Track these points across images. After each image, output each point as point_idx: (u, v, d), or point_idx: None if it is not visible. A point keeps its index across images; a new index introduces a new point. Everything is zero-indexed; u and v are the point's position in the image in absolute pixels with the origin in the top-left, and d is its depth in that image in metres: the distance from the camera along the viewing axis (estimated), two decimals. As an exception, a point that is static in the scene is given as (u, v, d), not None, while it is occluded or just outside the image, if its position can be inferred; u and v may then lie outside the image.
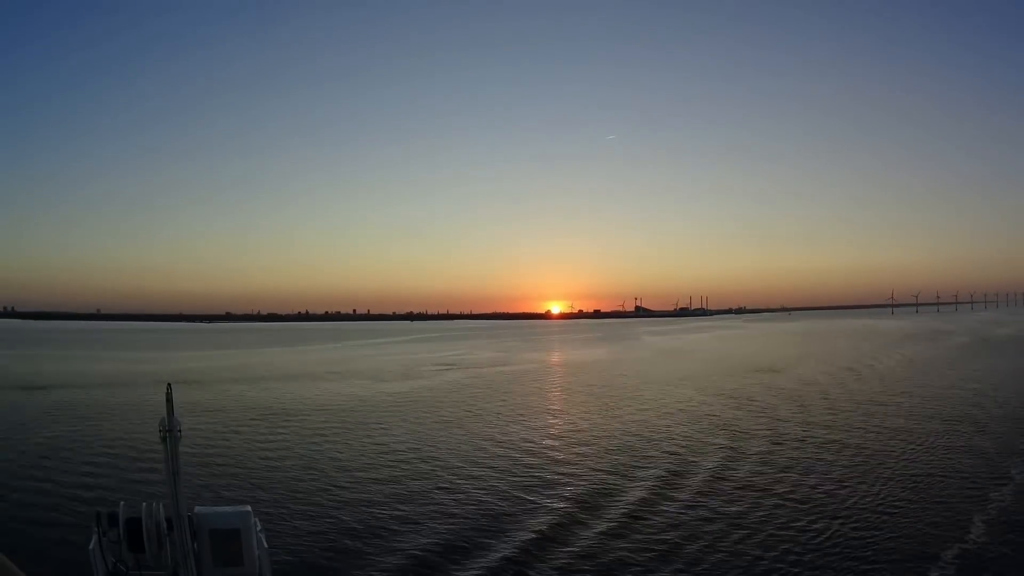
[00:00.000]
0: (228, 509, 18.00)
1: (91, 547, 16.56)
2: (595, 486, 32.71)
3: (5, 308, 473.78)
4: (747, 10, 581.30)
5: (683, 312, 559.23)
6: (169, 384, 15.62)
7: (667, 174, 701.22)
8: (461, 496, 31.53)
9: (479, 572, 22.91)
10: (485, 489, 32.55)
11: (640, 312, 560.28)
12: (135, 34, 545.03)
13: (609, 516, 28.13)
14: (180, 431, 15.26)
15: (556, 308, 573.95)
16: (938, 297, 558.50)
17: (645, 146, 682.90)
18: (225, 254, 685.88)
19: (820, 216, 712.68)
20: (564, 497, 30.96)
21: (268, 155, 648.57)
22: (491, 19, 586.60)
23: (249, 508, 17.40)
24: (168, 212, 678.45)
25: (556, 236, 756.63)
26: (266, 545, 17.09)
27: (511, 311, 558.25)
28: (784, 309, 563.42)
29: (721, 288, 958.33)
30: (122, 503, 17.36)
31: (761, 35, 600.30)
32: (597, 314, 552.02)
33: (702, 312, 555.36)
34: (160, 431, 15.14)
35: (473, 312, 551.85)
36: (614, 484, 32.95)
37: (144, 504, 16.42)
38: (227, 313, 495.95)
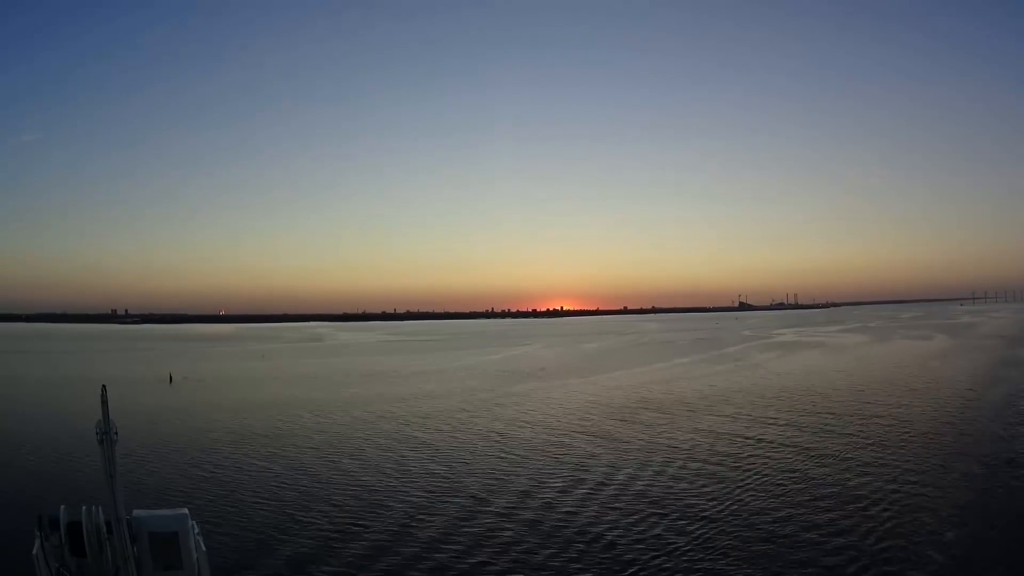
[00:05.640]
0: (166, 512, 18.31)
1: (34, 552, 16.71)
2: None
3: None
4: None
5: (780, 306, 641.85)
6: (104, 385, 15.86)
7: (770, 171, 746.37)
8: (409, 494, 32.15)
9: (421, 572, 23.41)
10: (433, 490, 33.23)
11: (743, 307, 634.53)
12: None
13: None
14: (116, 433, 15.49)
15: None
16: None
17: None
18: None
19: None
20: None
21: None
22: (512, 19, 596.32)
23: (186, 511, 17.80)
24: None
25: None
26: (204, 548, 17.58)
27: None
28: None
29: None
30: (63, 506, 17.51)
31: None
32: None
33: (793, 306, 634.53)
34: (97, 434, 15.37)
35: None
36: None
37: (84, 507, 16.66)
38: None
